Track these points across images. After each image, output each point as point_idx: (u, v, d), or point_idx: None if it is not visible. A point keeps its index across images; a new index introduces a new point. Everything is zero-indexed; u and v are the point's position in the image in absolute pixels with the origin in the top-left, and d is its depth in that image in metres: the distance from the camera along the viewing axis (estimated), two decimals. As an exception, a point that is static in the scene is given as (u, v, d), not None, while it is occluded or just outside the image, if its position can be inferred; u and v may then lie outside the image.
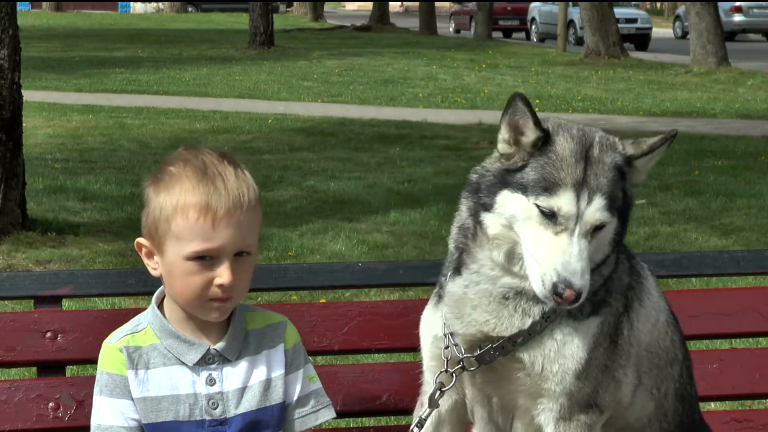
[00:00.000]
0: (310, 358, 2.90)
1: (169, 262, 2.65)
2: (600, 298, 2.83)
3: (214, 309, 2.67)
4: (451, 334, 2.85)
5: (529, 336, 2.78)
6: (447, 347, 2.86)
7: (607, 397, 2.84)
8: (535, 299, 2.75)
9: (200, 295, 2.64)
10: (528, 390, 2.84)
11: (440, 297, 2.93)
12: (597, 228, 2.69)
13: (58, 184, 11.19)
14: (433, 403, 2.90)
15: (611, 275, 2.84)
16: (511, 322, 2.78)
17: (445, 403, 2.96)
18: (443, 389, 2.89)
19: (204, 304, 2.66)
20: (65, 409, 3.05)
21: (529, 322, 2.78)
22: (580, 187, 2.68)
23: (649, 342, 2.93)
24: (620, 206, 2.74)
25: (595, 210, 2.68)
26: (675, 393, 3.00)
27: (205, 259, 2.62)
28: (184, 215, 2.61)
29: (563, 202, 2.67)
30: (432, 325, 2.95)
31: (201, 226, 2.60)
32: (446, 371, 2.87)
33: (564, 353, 2.79)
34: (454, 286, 2.85)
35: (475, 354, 2.82)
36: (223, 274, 2.62)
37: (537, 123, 2.72)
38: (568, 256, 2.63)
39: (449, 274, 2.88)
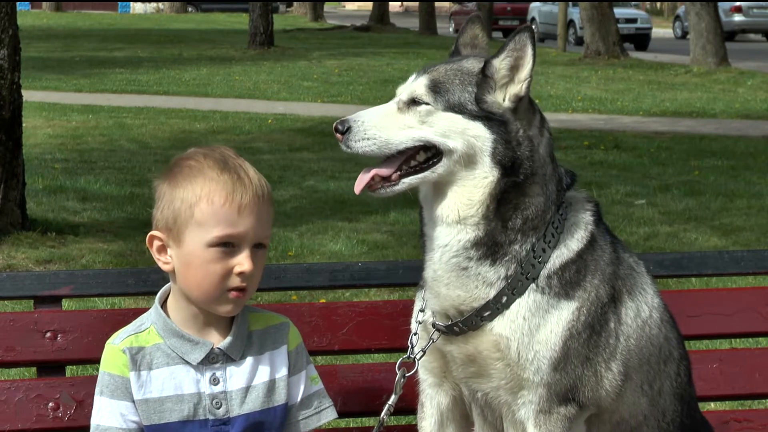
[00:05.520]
0: (311, 358, 2.90)
1: (188, 251, 2.66)
2: (570, 278, 2.84)
3: (230, 301, 2.68)
4: (432, 313, 2.92)
5: (497, 310, 2.81)
6: (420, 322, 2.95)
7: (587, 391, 2.85)
8: (482, 257, 2.80)
9: (219, 284, 2.65)
10: (508, 384, 2.87)
11: (421, 286, 2.99)
12: (415, 101, 2.84)
13: (58, 184, 11.18)
14: (396, 389, 2.99)
15: (583, 256, 2.85)
16: (477, 294, 2.84)
17: (444, 400, 3.03)
18: (406, 374, 2.99)
19: (221, 296, 2.67)
20: (65, 409, 3.05)
21: (492, 292, 2.82)
22: (420, 72, 2.95)
23: (640, 337, 2.92)
24: (486, 114, 2.81)
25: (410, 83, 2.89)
26: (672, 392, 3.00)
27: (227, 246, 2.64)
28: (209, 201, 2.64)
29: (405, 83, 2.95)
30: (415, 310, 3.02)
31: (226, 212, 2.64)
32: (411, 348, 2.96)
33: (538, 339, 2.81)
34: (427, 272, 2.91)
35: (445, 324, 2.89)
36: (244, 262, 2.65)
37: None
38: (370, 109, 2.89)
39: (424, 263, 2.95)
